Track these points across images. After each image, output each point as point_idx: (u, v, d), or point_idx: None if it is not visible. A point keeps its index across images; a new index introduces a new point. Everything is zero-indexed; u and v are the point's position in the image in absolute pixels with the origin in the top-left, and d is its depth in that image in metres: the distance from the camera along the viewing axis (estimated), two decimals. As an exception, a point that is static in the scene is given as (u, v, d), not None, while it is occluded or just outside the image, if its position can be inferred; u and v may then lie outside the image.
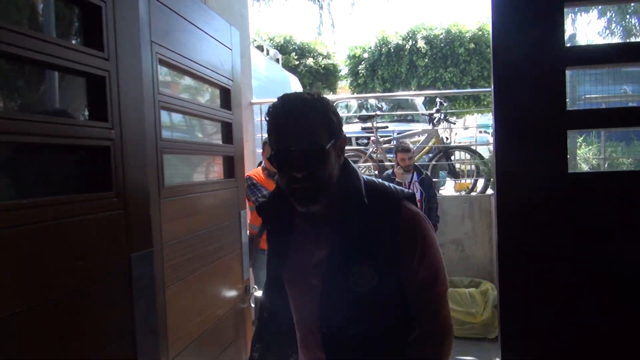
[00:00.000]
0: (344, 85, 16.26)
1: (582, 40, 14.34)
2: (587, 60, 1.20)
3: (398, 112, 8.87)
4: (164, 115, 1.74)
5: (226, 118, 2.26)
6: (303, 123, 1.12)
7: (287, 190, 1.17)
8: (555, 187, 1.18)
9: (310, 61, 15.36)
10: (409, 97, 9.42)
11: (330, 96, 10.19)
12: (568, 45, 1.20)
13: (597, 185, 1.20)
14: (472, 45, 13.82)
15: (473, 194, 5.65)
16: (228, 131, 2.30)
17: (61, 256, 1.06)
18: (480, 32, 13.95)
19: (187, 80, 2.08)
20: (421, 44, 14.13)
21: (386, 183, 1.32)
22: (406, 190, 1.31)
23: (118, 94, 1.21)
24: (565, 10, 1.19)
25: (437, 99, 6.30)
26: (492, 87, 1.21)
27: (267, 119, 1.18)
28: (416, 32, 14.42)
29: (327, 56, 15.91)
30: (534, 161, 1.19)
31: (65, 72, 1.08)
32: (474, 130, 7.57)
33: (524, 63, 1.18)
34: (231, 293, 2.30)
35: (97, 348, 1.17)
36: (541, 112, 1.18)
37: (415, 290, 1.23)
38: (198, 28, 1.96)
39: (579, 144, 5.91)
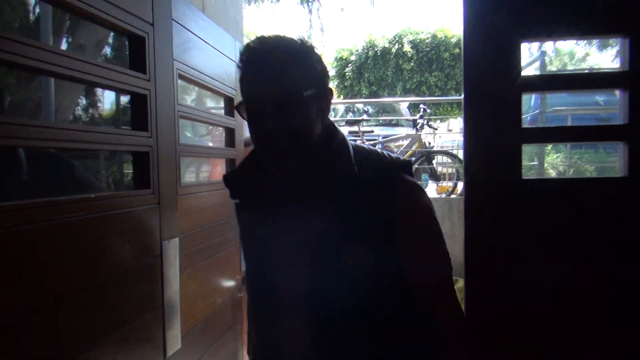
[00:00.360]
0: (330, 87, 16.40)
1: (570, 44, 14.62)
2: (539, 87, 1.46)
3: (383, 117, 9.17)
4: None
5: (230, 124, 2.49)
6: (277, 65, 0.96)
7: (257, 148, 1.02)
8: (512, 191, 1.43)
9: (298, 63, 15.50)
10: (394, 102, 9.72)
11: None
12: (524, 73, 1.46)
13: (545, 190, 1.45)
14: (457, 50, 14.00)
15: (453, 196, 5.94)
16: (231, 136, 2.54)
17: (113, 241, 1.29)
18: (465, 38, 14.19)
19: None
20: (407, 48, 14.34)
21: (378, 149, 1.12)
22: (402, 157, 1.12)
23: (155, 108, 1.44)
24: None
25: (421, 105, 6.60)
26: (463, 95, 1.34)
27: (239, 65, 1.00)
28: (403, 36, 14.61)
29: (315, 58, 16.06)
30: (495, 168, 1.43)
31: (119, 91, 1.32)
32: (456, 134, 7.86)
33: (489, 82, 1.33)
34: (230, 283, 2.52)
35: (138, 315, 1.41)
36: (501, 127, 1.41)
37: (418, 274, 1.07)
38: (208, 44, 2.19)
39: (547, 151, 6.24)
